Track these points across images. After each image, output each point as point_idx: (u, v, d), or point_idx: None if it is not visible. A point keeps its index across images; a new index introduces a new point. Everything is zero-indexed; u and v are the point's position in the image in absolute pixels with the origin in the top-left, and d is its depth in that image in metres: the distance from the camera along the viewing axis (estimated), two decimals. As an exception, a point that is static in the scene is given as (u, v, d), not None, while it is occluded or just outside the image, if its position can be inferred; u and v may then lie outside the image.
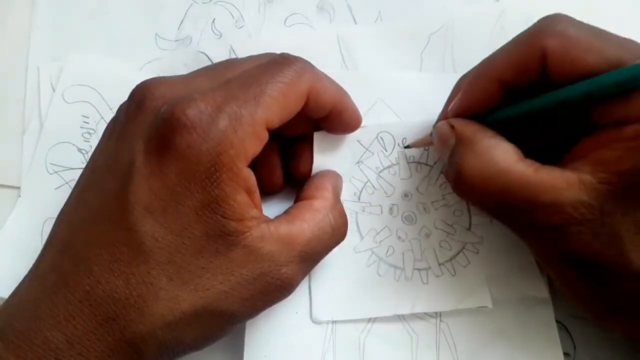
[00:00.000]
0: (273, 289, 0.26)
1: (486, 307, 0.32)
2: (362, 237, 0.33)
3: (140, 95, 0.27)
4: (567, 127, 0.27)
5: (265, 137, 0.26)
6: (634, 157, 0.23)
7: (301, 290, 0.32)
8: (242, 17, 0.40)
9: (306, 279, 0.32)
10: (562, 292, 0.28)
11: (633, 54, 0.24)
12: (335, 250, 0.32)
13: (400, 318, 0.32)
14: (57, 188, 0.35)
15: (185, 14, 0.40)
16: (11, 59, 0.39)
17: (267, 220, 0.26)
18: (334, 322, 0.32)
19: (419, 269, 0.32)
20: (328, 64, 0.37)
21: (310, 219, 0.28)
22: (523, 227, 0.27)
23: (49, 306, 0.24)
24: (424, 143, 0.33)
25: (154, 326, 0.24)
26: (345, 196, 0.33)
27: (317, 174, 0.32)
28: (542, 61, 0.25)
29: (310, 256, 0.28)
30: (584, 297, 0.27)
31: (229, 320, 0.26)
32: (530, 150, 0.27)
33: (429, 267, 0.32)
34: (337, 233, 0.29)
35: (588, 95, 0.24)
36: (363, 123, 0.33)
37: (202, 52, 0.39)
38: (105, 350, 0.24)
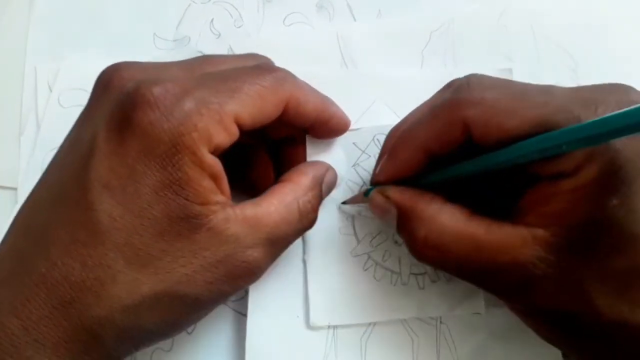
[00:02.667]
0: (239, 273, 0.26)
1: (479, 313, 0.31)
2: (358, 241, 0.33)
3: (108, 76, 0.26)
4: (506, 182, 0.26)
5: (234, 131, 0.25)
6: (578, 210, 0.23)
7: (302, 294, 0.32)
8: (240, 16, 0.39)
9: (303, 283, 0.32)
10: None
11: (553, 110, 0.23)
12: (333, 254, 0.32)
13: (401, 320, 0.32)
14: (54, 192, 0.35)
15: (184, 13, 0.40)
16: (8, 58, 0.39)
17: (234, 205, 0.26)
18: (328, 328, 0.32)
19: (415, 274, 0.32)
20: (327, 62, 0.37)
21: (277, 202, 0.27)
22: (487, 286, 0.27)
23: (6, 290, 0.23)
24: (358, 201, 0.32)
25: (112, 310, 0.23)
26: (342, 199, 0.33)
27: (306, 162, 0.32)
28: (464, 130, 0.25)
29: (277, 239, 0.27)
30: (565, 347, 0.27)
31: (192, 305, 0.25)
32: (477, 202, 0.26)
33: (425, 272, 0.32)
34: (304, 219, 0.28)
35: (514, 161, 0.24)
36: (358, 125, 0.33)
37: (200, 52, 0.38)
38: (62, 336, 0.23)
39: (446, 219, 0.26)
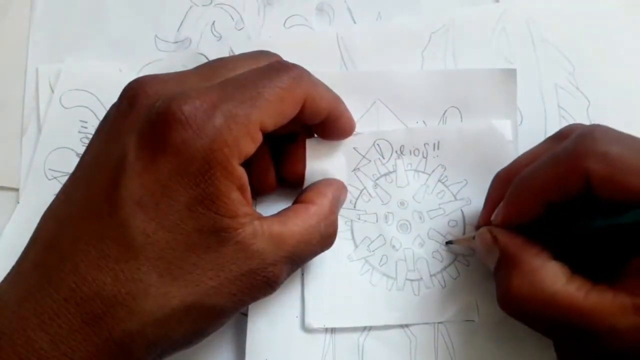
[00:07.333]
0: (259, 286, 0.26)
1: (473, 320, 0.32)
2: (356, 246, 0.33)
3: (133, 92, 0.27)
4: (615, 245, 0.26)
5: (259, 138, 0.26)
6: None
7: (301, 296, 0.32)
8: (241, 19, 0.39)
9: (299, 285, 0.32)
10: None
11: None
12: (330, 258, 0.32)
13: (398, 321, 0.32)
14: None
15: (185, 15, 0.40)
16: (10, 59, 0.39)
17: (260, 217, 0.26)
18: (326, 329, 0.32)
19: (410, 280, 0.32)
20: (327, 64, 0.37)
21: (302, 223, 0.28)
22: (576, 349, 0.26)
23: (33, 305, 0.23)
24: (466, 242, 0.32)
25: (144, 324, 0.24)
26: (341, 202, 0.33)
27: (323, 179, 0.32)
28: (585, 182, 0.25)
29: (297, 258, 0.28)
30: None
31: (217, 315, 0.26)
32: (577, 263, 0.26)
33: (421, 279, 0.32)
34: (325, 242, 0.29)
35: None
36: (359, 130, 0.33)
37: (201, 54, 0.38)
38: (91, 350, 0.23)
39: (546, 276, 0.26)
